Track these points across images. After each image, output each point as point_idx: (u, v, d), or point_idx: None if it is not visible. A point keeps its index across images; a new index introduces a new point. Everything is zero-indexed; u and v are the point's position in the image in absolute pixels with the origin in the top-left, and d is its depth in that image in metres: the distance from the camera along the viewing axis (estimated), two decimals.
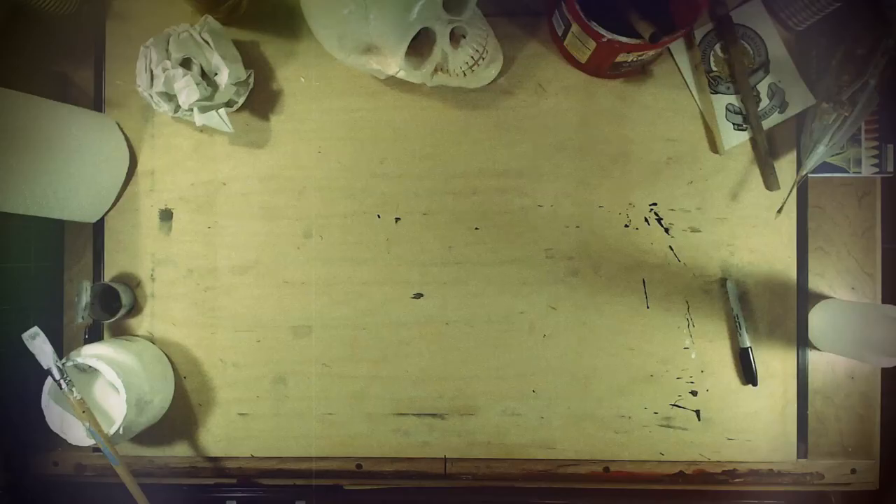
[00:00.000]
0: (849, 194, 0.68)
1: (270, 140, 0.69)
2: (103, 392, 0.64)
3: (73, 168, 0.62)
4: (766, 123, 0.67)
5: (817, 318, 0.66)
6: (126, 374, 0.60)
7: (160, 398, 0.65)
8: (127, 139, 0.69)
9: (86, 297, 0.64)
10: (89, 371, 0.64)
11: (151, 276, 0.70)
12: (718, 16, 0.67)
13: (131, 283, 0.69)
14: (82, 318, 0.64)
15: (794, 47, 0.68)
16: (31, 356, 0.59)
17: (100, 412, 0.63)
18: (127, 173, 0.69)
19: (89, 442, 0.60)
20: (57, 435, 0.61)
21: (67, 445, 0.69)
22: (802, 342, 0.67)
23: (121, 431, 0.60)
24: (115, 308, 0.67)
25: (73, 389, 0.58)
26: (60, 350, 0.69)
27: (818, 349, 0.67)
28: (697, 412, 0.68)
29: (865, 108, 0.63)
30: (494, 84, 0.68)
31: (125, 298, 0.67)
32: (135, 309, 0.69)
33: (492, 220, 0.68)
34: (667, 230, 0.68)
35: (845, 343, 0.63)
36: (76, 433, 0.61)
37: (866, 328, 0.59)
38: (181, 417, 0.69)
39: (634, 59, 0.63)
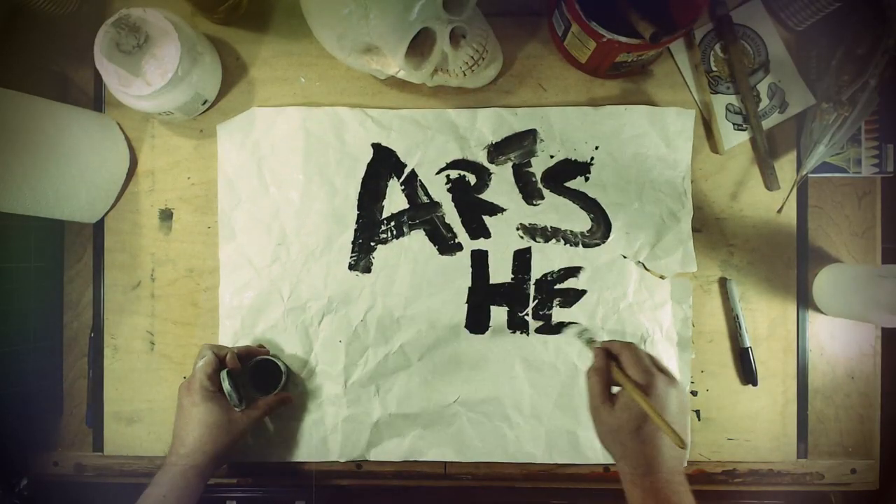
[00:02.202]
0: (849, 194, 0.68)
1: None
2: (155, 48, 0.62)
3: (73, 168, 0.62)
4: (766, 123, 0.67)
5: (823, 282, 0.66)
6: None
7: (210, 57, 0.65)
8: (127, 139, 0.69)
9: (228, 386, 0.60)
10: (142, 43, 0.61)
11: (151, 276, 0.70)
12: (718, 16, 0.67)
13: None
14: (237, 404, 0.61)
15: (794, 47, 0.68)
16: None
17: (154, 59, 0.61)
18: (127, 173, 0.69)
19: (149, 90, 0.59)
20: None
21: (67, 445, 0.69)
22: (802, 342, 0.67)
23: (179, 73, 0.60)
24: (275, 381, 0.65)
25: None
26: (60, 351, 0.69)
27: (823, 313, 0.67)
28: (697, 412, 0.68)
29: (865, 108, 0.63)
30: (494, 84, 0.68)
31: (282, 366, 0.65)
32: (290, 378, 0.67)
33: None
34: None
35: (851, 305, 0.62)
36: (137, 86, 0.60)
37: (872, 288, 0.59)
38: None
39: (634, 59, 0.63)
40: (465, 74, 0.64)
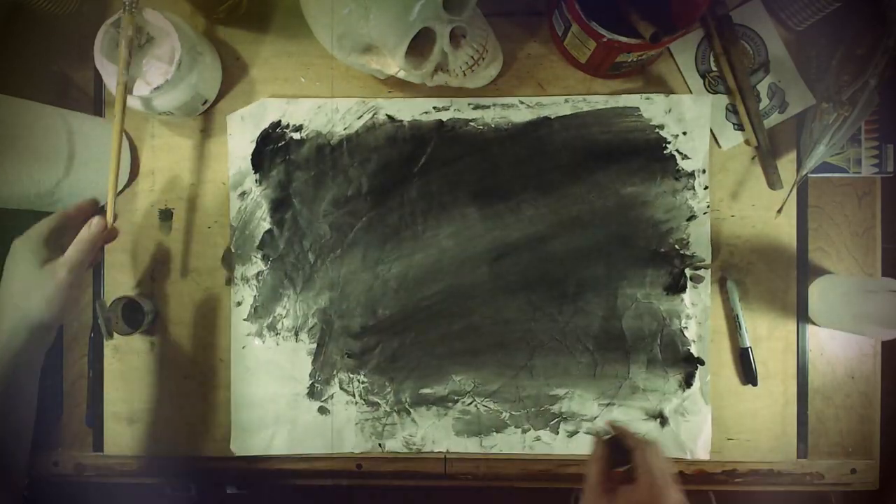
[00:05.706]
0: (849, 194, 0.68)
1: None
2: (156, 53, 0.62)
3: (74, 171, 0.62)
4: (766, 123, 0.67)
5: (817, 293, 0.66)
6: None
7: (210, 57, 0.65)
8: (128, 139, 0.69)
9: (101, 316, 0.63)
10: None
11: (151, 276, 0.70)
12: (718, 16, 0.67)
13: (145, 291, 0.69)
14: (108, 333, 0.64)
15: (794, 47, 0.68)
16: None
17: (154, 59, 0.61)
18: (128, 173, 0.69)
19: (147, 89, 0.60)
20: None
21: (67, 445, 0.69)
22: (802, 342, 0.67)
23: (179, 73, 0.60)
24: (139, 319, 0.67)
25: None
26: (60, 351, 0.69)
27: (816, 325, 0.67)
28: None
29: (865, 108, 0.63)
30: (494, 84, 0.68)
31: (147, 306, 0.67)
32: (158, 317, 0.69)
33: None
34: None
35: (842, 318, 0.62)
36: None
37: (865, 301, 0.59)
38: (181, 417, 0.69)
39: (634, 59, 0.63)
40: (465, 74, 0.64)
